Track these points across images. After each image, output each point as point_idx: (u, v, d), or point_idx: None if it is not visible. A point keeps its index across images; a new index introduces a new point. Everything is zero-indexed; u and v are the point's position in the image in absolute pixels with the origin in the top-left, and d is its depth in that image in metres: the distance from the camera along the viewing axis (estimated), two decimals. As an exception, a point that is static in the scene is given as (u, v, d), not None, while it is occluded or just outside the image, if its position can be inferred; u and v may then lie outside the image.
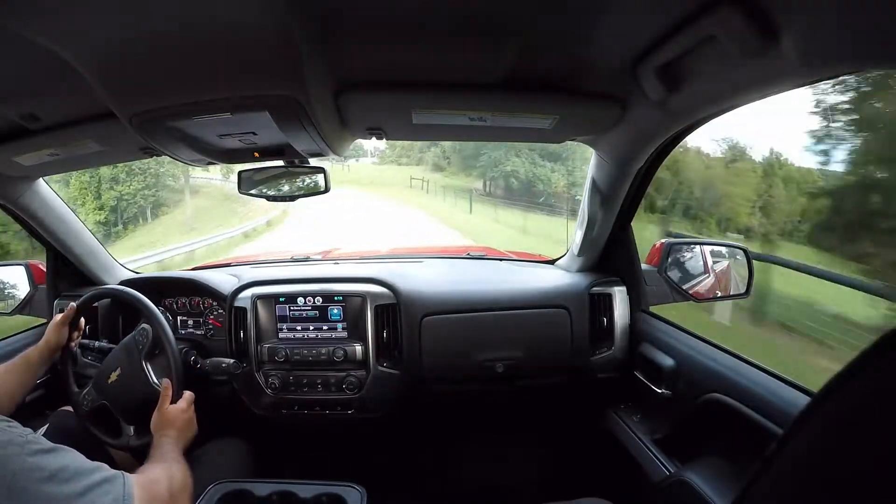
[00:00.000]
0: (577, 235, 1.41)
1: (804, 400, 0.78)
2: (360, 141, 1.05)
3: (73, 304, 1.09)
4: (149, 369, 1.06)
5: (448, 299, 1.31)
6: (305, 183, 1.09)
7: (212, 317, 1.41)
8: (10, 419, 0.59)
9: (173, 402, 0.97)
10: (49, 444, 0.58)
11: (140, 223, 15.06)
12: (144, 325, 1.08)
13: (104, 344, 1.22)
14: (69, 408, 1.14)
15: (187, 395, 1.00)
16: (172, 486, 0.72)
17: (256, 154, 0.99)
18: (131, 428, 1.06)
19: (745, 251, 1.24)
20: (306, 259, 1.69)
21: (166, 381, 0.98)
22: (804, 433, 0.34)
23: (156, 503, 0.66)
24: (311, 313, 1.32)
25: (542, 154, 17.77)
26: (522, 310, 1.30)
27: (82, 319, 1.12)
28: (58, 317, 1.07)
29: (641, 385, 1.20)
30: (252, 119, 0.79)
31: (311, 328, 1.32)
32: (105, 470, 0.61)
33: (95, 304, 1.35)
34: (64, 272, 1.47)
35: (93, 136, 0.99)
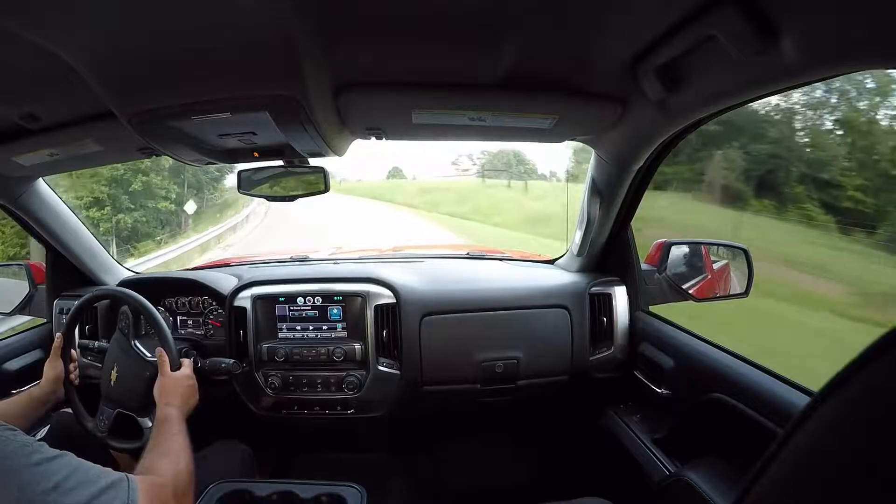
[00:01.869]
0: (577, 235, 1.41)
1: (804, 400, 0.78)
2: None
3: (59, 333, 1.08)
4: (139, 347, 1.06)
5: (448, 299, 1.31)
6: (305, 183, 1.09)
7: (211, 317, 1.41)
8: (13, 427, 0.58)
9: (174, 370, 0.97)
10: (52, 451, 0.57)
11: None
12: (123, 308, 1.09)
13: (104, 344, 1.22)
14: (69, 410, 1.14)
15: (187, 361, 1.01)
16: (178, 487, 0.71)
17: (256, 154, 0.99)
18: (148, 420, 1.04)
19: (745, 251, 1.24)
20: (306, 259, 1.69)
21: (160, 349, 0.99)
22: (804, 433, 0.34)
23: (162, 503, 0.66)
24: (311, 313, 1.32)
25: None
26: (522, 310, 1.30)
27: (73, 352, 1.12)
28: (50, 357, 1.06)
29: (641, 385, 1.20)
30: (252, 119, 0.79)
31: (311, 328, 1.32)
32: (110, 474, 0.60)
33: (95, 305, 1.35)
34: (64, 272, 1.46)
35: (93, 136, 0.99)
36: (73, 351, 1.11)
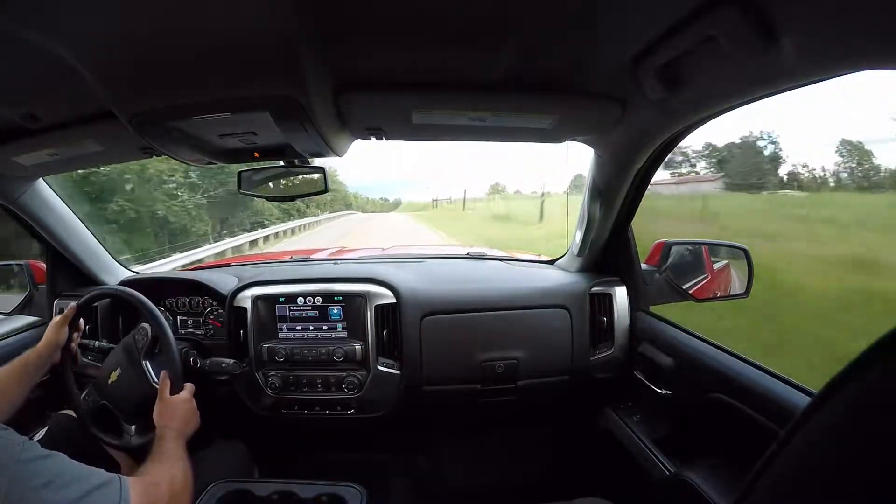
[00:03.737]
0: (577, 235, 1.41)
1: (804, 400, 0.78)
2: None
3: (74, 303, 1.08)
4: (149, 369, 1.06)
5: (448, 299, 1.31)
6: (305, 183, 1.09)
7: (212, 317, 1.41)
8: (5, 426, 0.58)
9: (174, 393, 0.97)
10: (44, 450, 0.58)
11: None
12: (143, 325, 1.08)
13: (104, 344, 1.22)
14: (70, 411, 1.13)
15: (188, 386, 1.00)
16: (173, 487, 0.72)
17: (256, 154, 0.99)
18: (132, 427, 1.05)
19: (745, 251, 1.24)
20: (306, 259, 1.69)
21: (164, 372, 0.99)
22: (804, 433, 0.34)
23: None
24: (311, 313, 1.32)
25: None
26: (523, 310, 1.30)
27: (82, 320, 1.12)
28: (58, 317, 1.06)
29: (641, 385, 1.20)
30: (252, 119, 0.80)
31: (311, 328, 1.32)
32: (102, 474, 0.60)
33: (95, 304, 1.35)
34: (64, 272, 1.47)
35: (93, 135, 0.99)
36: (81, 321, 1.11)
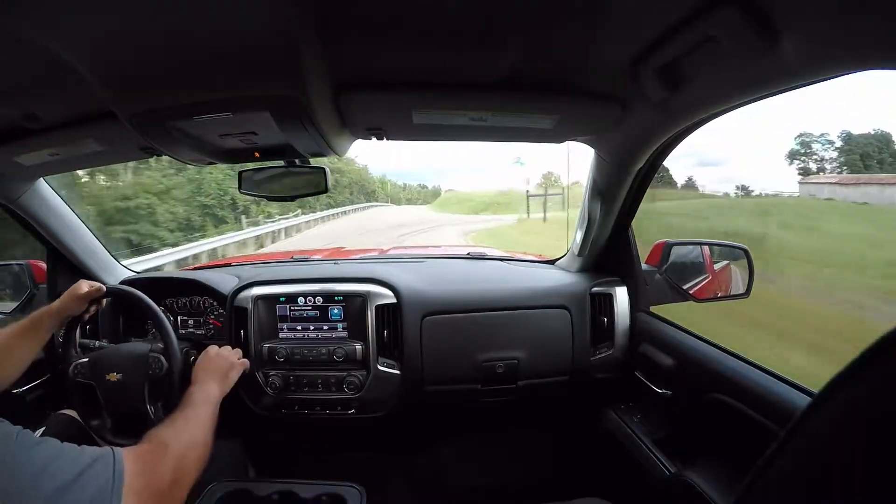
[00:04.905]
0: (578, 235, 1.41)
1: (804, 400, 0.78)
2: None
3: (103, 286, 1.06)
4: (146, 393, 1.04)
5: (449, 299, 1.31)
6: (306, 182, 1.09)
7: (212, 317, 1.41)
8: (0, 419, 0.58)
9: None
10: (36, 437, 0.57)
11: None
12: (163, 359, 1.06)
13: (104, 344, 1.22)
14: (70, 412, 1.13)
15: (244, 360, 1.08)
16: (179, 444, 0.68)
17: (257, 154, 0.99)
18: (109, 421, 1.05)
19: (745, 251, 1.24)
20: (307, 259, 1.69)
21: (213, 349, 1.06)
22: (804, 433, 0.34)
23: (154, 474, 0.62)
24: (312, 313, 1.32)
25: None
26: (523, 310, 1.30)
27: (105, 300, 1.10)
28: (83, 285, 1.02)
29: (642, 385, 1.20)
30: (252, 119, 0.80)
31: (312, 328, 1.32)
32: (93, 451, 0.58)
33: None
34: (64, 272, 1.47)
35: (93, 135, 0.99)
36: (104, 301, 1.10)
